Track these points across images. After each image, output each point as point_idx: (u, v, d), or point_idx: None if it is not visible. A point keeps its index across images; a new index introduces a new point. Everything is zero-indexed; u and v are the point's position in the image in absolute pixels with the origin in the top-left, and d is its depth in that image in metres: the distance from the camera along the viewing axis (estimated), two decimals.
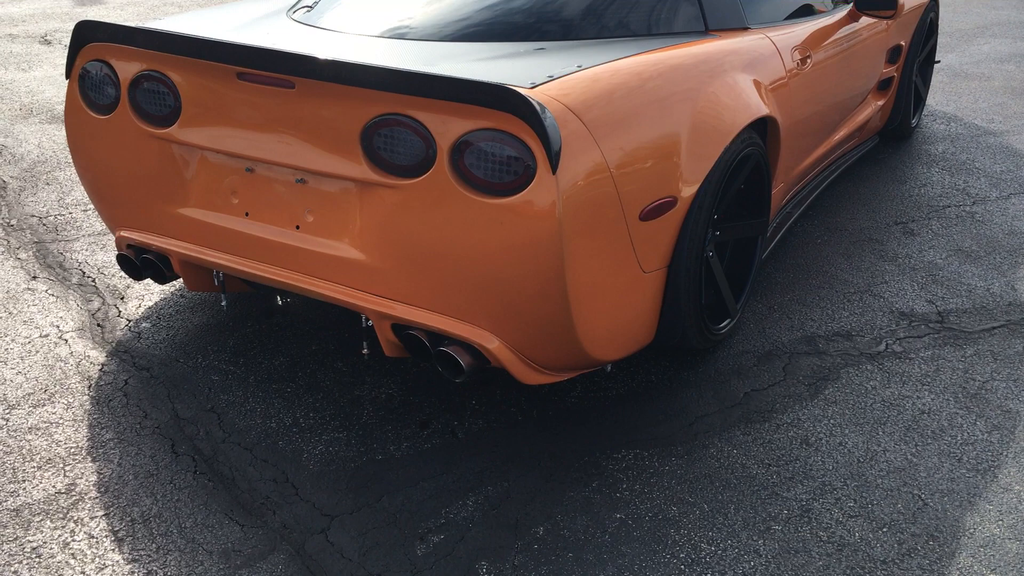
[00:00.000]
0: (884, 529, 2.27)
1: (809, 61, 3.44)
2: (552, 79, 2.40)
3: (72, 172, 4.42)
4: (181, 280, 3.00)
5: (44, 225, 3.84)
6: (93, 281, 3.39)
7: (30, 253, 3.59)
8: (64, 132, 4.97)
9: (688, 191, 2.57)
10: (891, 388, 2.84)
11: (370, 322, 2.60)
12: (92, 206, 4.01)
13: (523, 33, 2.79)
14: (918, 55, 4.90)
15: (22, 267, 3.48)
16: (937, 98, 5.93)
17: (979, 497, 2.38)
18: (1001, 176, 4.60)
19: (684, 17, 3.02)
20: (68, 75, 2.86)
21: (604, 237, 2.36)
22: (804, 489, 2.40)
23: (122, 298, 3.28)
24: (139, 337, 3.04)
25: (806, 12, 3.68)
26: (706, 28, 3.06)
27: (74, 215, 3.94)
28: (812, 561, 2.17)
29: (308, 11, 3.11)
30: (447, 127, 2.27)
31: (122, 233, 2.93)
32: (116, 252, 2.96)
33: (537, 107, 2.15)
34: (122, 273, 3.43)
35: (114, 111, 2.76)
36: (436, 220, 2.34)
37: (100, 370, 2.85)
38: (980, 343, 3.09)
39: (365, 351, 2.72)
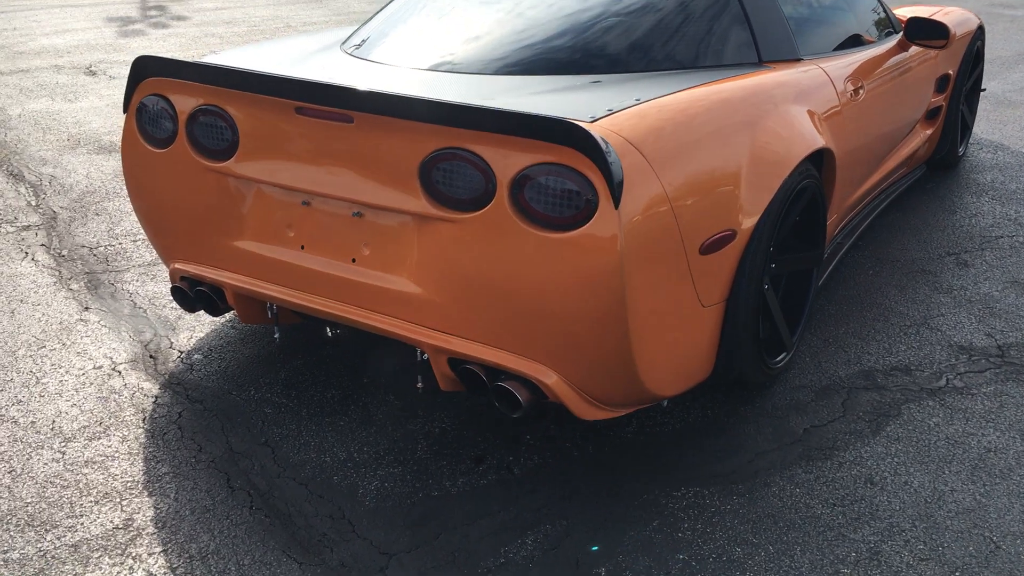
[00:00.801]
0: (957, 573, 2.20)
1: (862, 92, 3.40)
2: (611, 112, 2.38)
3: (121, 203, 4.46)
4: (234, 312, 3.00)
5: (95, 255, 3.87)
6: (145, 312, 3.40)
7: (82, 284, 3.62)
8: (112, 163, 5.03)
9: (747, 224, 2.54)
10: (954, 425, 2.77)
11: (425, 356, 2.58)
12: (142, 237, 4.04)
13: (576, 67, 2.78)
14: (965, 83, 4.85)
15: (74, 298, 3.50)
16: (981, 126, 5.86)
17: None
18: None
19: (737, 49, 3.00)
20: (126, 109, 2.88)
21: (664, 271, 2.33)
22: (871, 530, 2.34)
23: (174, 329, 3.28)
24: (191, 369, 3.04)
25: (855, 43, 3.65)
26: (759, 60, 3.04)
27: (124, 245, 3.97)
28: None
29: (359, 45, 3.13)
30: (507, 161, 2.26)
31: (176, 265, 2.94)
32: (170, 284, 2.96)
33: (599, 141, 2.13)
34: (173, 304, 3.45)
35: (171, 145, 2.78)
36: (495, 254, 2.32)
37: (154, 402, 2.85)
38: None
39: (419, 385, 2.70)
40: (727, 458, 2.62)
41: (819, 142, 2.86)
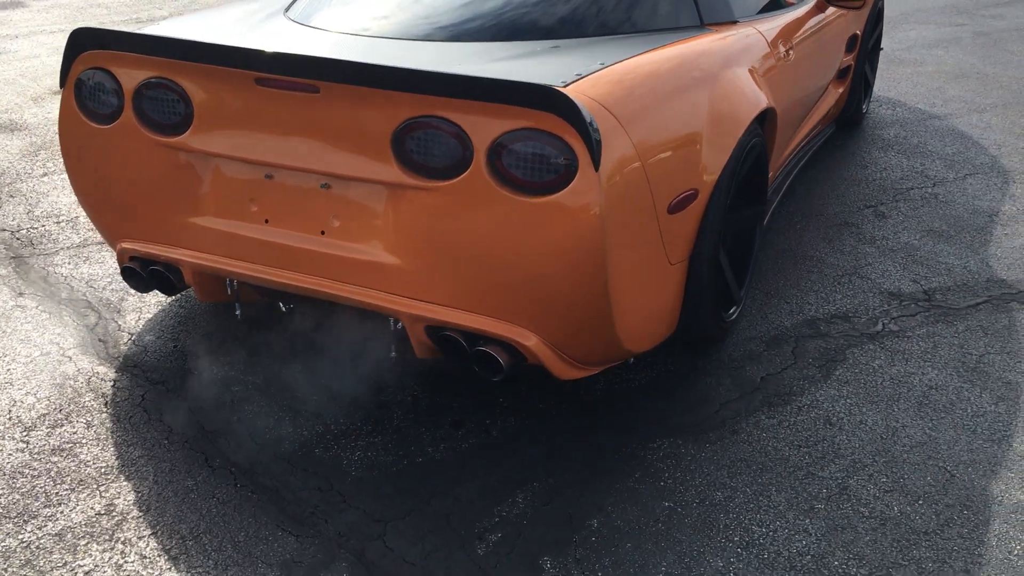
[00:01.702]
0: (920, 502, 2.37)
1: (792, 52, 3.54)
2: (580, 77, 2.43)
3: (35, 183, 4.27)
4: (192, 290, 2.94)
5: (18, 239, 3.71)
6: (84, 295, 3.29)
7: (10, 269, 3.47)
8: (17, 142, 4.80)
9: (708, 183, 2.63)
10: (896, 366, 2.95)
11: (400, 325, 2.59)
12: (65, 217, 3.88)
13: (531, 32, 2.81)
14: (868, 43, 5.07)
15: (4, 283, 3.36)
16: (878, 85, 6.14)
17: (1000, 466, 2.50)
18: (954, 158, 4.80)
19: (681, 12, 3.07)
20: (63, 84, 2.77)
21: (639, 232, 2.40)
22: (837, 468, 2.48)
23: (118, 311, 3.19)
24: (145, 351, 2.97)
25: (777, 5, 3.78)
26: (701, 22, 3.12)
27: (47, 227, 3.81)
28: (859, 537, 2.25)
29: (306, 13, 3.07)
30: (484, 128, 2.28)
31: (124, 245, 2.86)
32: (117, 265, 2.87)
33: (579, 105, 2.17)
34: (113, 286, 3.34)
35: (116, 120, 2.69)
36: (473, 221, 2.34)
37: (113, 386, 2.78)
38: (969, 319, 3.23)
39: (393, 354, 2.71)
40: (694, 409, 2.73)
41: (765, 101, 2.97)
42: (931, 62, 6.75)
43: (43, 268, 3.48)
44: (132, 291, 3.30)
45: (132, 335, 3.05)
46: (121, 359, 2.92)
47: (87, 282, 3.38)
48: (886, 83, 6.18)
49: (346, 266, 2.53)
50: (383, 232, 2.48)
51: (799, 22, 3.77)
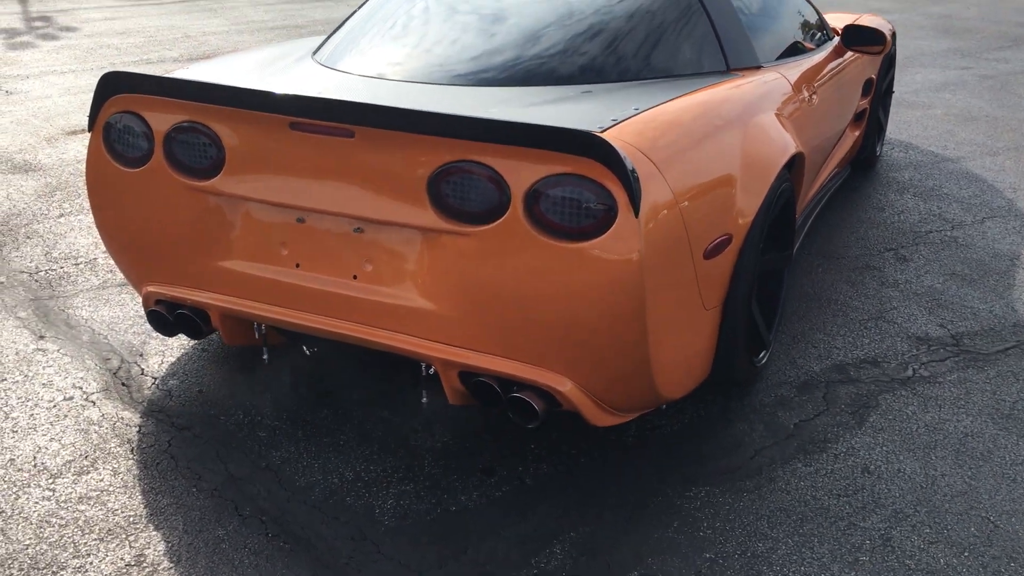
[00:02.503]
0: (965, 553, 2.32)
1: (815, 96, 3.54)
2: (616, 122, 2.42)
3: (52, 224, 4.25)
4: (218, 334, 2.91)
5: (36, 281, 3.68)
6: (106, 338, 3.25)
7: (29, 312, 3.44)
8: (32, 183, 4.79)
9: (743, 228, 2.62)
10: (930, 413, 2.92)
11: (432, 370, 2.56)
12: (84, 259, 3.86)
13: (563, 77, 2.81)
14: (882, 86, 5.10)
15: (25, 327, 3.33)
16: (889, 127, 6.16)
17: None
18: (971, 201, 4.80)
19: (708, 57, 3.08)
20: (91, 128, 2.76)
21: (676, 277, 2.38)
22: (879, 518, 2.44)
23: (141, 355, 3.15)
24: (170, 395, 2.93)
25: (799, 49, 3.79)
26: (727, 67, 3.13)
27: (66, 269, 3.79)
28: None
29: (335, 57, 3.07)
30: (521, 173, 2.26)
31: (150, 289, 2.83)
32: (145, 309, 2.85)
33: (619, 151, 2.16)
34: (135, 329, 3.31)
35: (146, 163, 2.68)
36: (509, 266, 2.32)
37: (138, 432, 2.74)
38: (999, 364, 3.20)
39: (424, 400, 2.67)
40: (729, 455, 2.69)
41: (794, 146, 2.97)
42: (940, 105, 6.79)
43: (63, 311, 3.45)
44: (155, 334, 3.27)
45: (156, 379, 3.02)
46: (146, 404, 2.88)
47: (109, 325, 3.34)
48: (897, 126, 6.21)
49: (379, 310, 2.51)
50: (417, 276, 2.45)
51: (820, 66, 3.78)
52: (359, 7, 3.42)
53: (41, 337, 3.26)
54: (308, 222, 2.57)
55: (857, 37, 3.99)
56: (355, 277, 2.54)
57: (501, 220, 2.30)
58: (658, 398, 2.51)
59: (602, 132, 2.34)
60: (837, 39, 4.19)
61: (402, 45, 3.00)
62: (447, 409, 2.85)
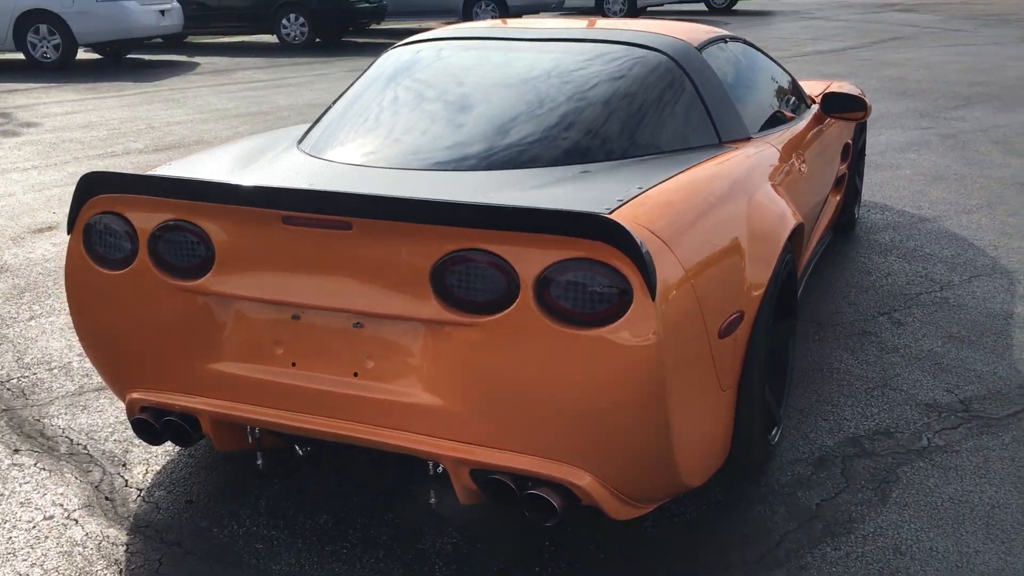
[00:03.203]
0: None
1: (804, 165, 3.52)
2: (622, 203, 2.35)
3: (24, 328, 4.08)
4: (209, 440, 2.76)
5: (8, 390, 3.51)
6: (85, 448, 3.08)
7: (2, 423, 3.26)
8: (1, 285, 4.62)
9: (754, 303, 2.54)
10: (952, 484, 2.82)
11: (440, 469, 2.44)
12: (58, 364, 3.69)
13: (559, 158, 2.75)
14: (856, 151, 5.12)
15: None
16: (862, 190, 6.19)
17: None
18: (954, 260, 4.79)
19: (701, 131, 3.04)
20: (70, 230, 2.64)
21: (694, 359, 2.29)
22: None
23: (124, 465, 2.98)
24: (158, 508, 2.76)
25: (781, 119, 3.78)
26: (720, 140, 3.09)
27: (40, 375, 3.61)
28: None
29: (321, 146, 2.99)
30: (530, 259, 2.18)
31: (134, 395, 2.69)
32: (129, 417, 2.70)
33: (632, 233, 2.08)
34: (116, 438, 3.14)
35: (130, 265, 2.56)
36: (520, 356, 2.22)
37: (126, 551, 2.56)
38: (1013, 429, 3.13)
39: (433, 500, 2.53)
40: (753, 543, 2.56)
41: (795, 217, 2.92)
42: (907, 165, 6.86)
43: (38, 420, 3.27)
44: (138, 441, 3.11)
45: (141, 491, 2.85)
46: (132, 519, 2.71)
47: (87, 433, 3.17)
48: (869, 188, 6.24)
49: (382, 409, 2.38)
50: (422, 371, 2.34)
51: (803, 135, 3.77)
52: (341, 95, 3.35)
53: (16, 451, 3.08)
54: (304, 319, 2.45)
55: (837, 104, 4.00)
56: (356, 374, 2.42)
57: (510, 309, 2.20)
58: (680, 486, 2.39)
59: (610, 213, 2.27)
60: (815, 107, 4.20)
61: (393, 132, 2.93)
62: (456, 508, 2.71)
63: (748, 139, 3.23)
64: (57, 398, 3.43)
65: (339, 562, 2.51)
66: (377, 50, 15.19)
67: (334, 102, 3.33)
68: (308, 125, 3.41)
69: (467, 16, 17.26)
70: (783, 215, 2.83)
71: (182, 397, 2.62)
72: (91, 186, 2.57)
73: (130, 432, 3.17)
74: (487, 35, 3.40)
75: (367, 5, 16.07)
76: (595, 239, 2.12)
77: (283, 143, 3.17)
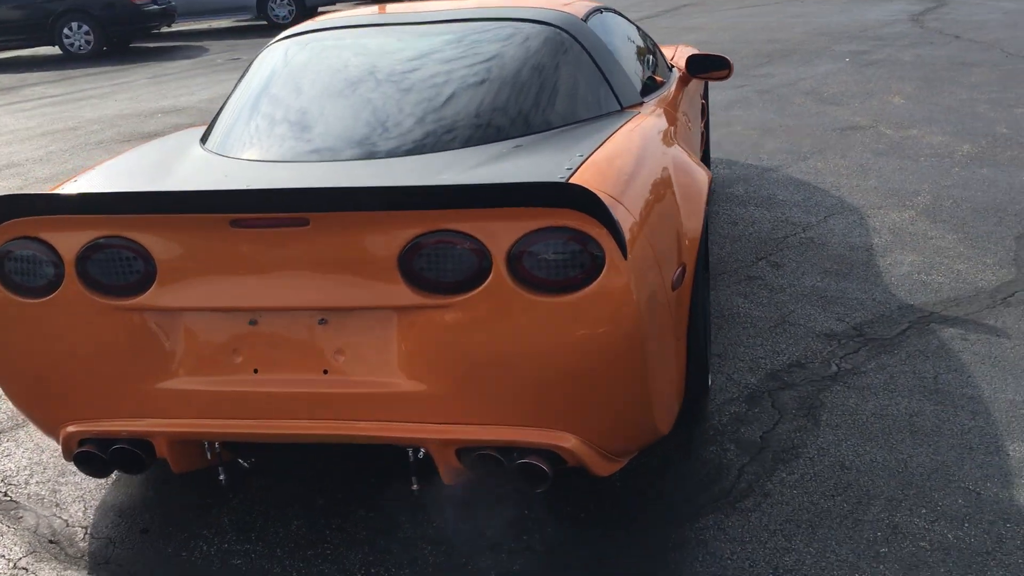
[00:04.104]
0: (966, 524, 2.45)
1: (689, 124, 3.70)
2: (572, 171, 2.42)
3: None
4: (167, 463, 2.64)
5: None
6: (6, 495, 2.87)
7: None
8: None
9: (691, 257, 2.67)
10: (869, 402, 3.08)
11: (421, 454, 2.44)
12: None
13: (486, 135, 2.78)
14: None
15: None
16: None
17: (1012, 474, 2.64)
18: (806, 203, 5.15)
19: (604, 99, 3.15)
20: None
21: (658, 313, 2.39)
22: (878, 508, 2.54)
23: (57, 505, 2.80)
24: (111, 543, 2.61)
25: (656, 84, 3.95)
26: (621, 107, 3.21)
27: None
28: (936, 570, 2.29)
29: (230, 145, 2.89)
30: (500, 234, 2.21)
31: (70, 429, 2.54)
32: (67, 452, 2.54)
33: (599, 196, 2.15)
34: (38, 479, 2.94)
35: (55, 291, 2.41)
36: (499, 330, 2.25)
37: None
38: (906, 346, 3.44)
39: (415, 487, 2.53)
40: (717, 481, 2.71)
41: (708, 173, 3.07)
42: (736, 122, 7.27)
43: None
44: (63, 478, 2.92)
45: (86, 528, 2.68)
46: (88, 558, 2.55)
47: (3, 480, 2.95)
48: (710, 144, 6.58)
49: (358, 402, 2.36)
50: (397, 359, 2.33)
51: (677, 96, 3.96)
52: (232, 93, 3.24)
53: None
54: (262, 323, 2.39)
55: (703, 65, 4.22)
56: (325, 372, 2.38)
57: (484, 285, 2.23)
58: (655, 434, 2.50)
59: (566, 181, 2.33)
60: (676, 70, 4.40)
61: (315, 125, 2.86)
62: (423, 495, 2.71)
63: (641, 103, 3.36)
64: None
65: (327, 563, 2.47)
66: (173, 53, 14.55)
67: (226, 101, 3.21)
68: (201, 128, 3.28)
69: (261, 13, 16.71)
70: (699, 171, 2.98)
71: (130, 422, 2.49)
72: (4, 210, 2.39)
73: (51, 472, 2.98)
74: (376, 22, 3.38)
75: (155, 7, 15.31)
76: (563, 207, 2.17)
77: (185, 147, 3.04)
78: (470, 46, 3.13)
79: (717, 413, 3.06)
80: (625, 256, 2.19)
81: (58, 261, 2.40)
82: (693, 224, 2.72)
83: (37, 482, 2.93)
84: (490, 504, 2.66)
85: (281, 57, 3.27)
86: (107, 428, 2.50)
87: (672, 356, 2.53)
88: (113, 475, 2.91)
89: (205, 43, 15.63)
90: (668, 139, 2.99)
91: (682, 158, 2.92)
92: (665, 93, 3.78)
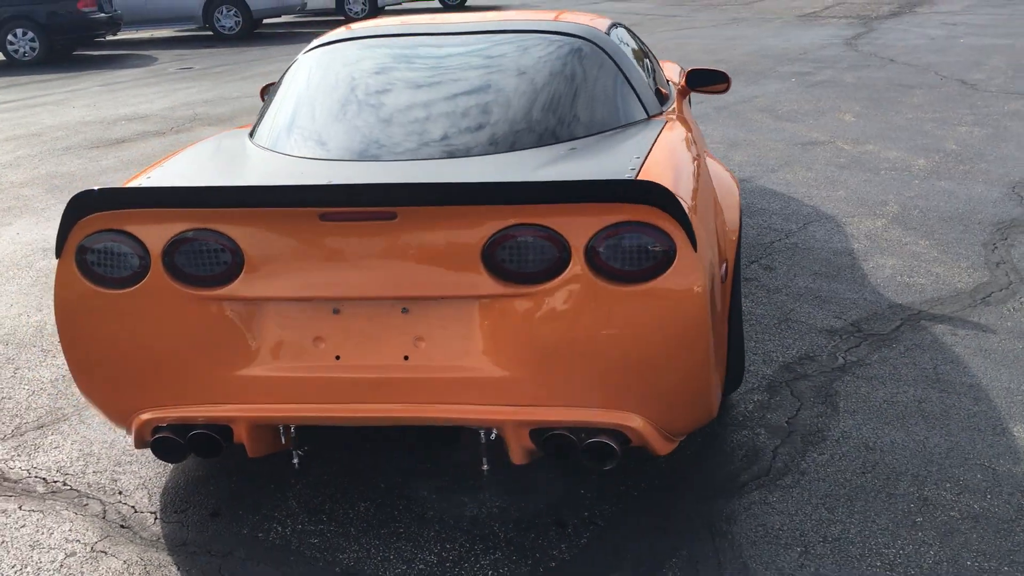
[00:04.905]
0: (989, 496, 2.70)
1: (699, 135, 3.93)
2: (636, 171, 2.61)
3: None
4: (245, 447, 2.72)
5: None
6: (66, 484, 2.93)
7: None
8: None
9: (733, 251, 2.89)
10: (879, 390, 3.32)
11: (493, 435, 2.59)
12: None
13: (543, 138, 2.94)
14: None
15: None
16: None
17: (1021, 451, 2.90)
18: (785, 212, 5.44)
19: (634, 108, 3.35)
20: (59, 254, 2.53)
21: (717, 302, 2.59)
22: (907, 484, 2.77)
23: (120, 493, 2.87)
24: (184, 526, 2.70)
25: (664, 95, 4.16)
26: (648, 115, 3.41)
27: None
28: (970, 539, 2.53)
29: (296, 145, 3.00)
30: (579, 228, 2.38)
31: (144, 417, 2.62)
32: (141, 439, 2.62)
33: (673, 193, 2.34)
34: (92, 468, 3.00)
35: (139, 282, 2.50)
36: (575, 317, 2.42)
37: (179, 569, 2.51)
38: (903, 340, 3.70)
39: (485, 467, 2.67)
40: (756, 462, 2.92)
41: (735, 177, 3.29)
42: (703, 135, 7.56)
43: None
44: (120, 467, 2.99)
45: (155, 513, 2.76)
46: (164, 540, 2.64)
47: (59, 470, 3.01)
48: None
49: (436, 386, 2.50)
50: (477, 345, 2.48)
51: (682, 107, 4.18)
52: (276, 90, 3.34)
53: None
54: (344, 311, 2.52)
55: (702, 79, 4.46)
56: (406, 358, 2.51)
57: (563, 275, 2.40)
58: (710, 415, 2.69)
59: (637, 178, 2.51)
60: (672, 84, 4.63)
61: (385, 125, 2.97)
62: (480, 476, 2.86)
63: (661, 112, 3.58)
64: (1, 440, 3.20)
65: (401, 540, 2.60)
66: (121, 62, 14.37)
67: (271, 101, 3.30)
68: (238, 130, 3.38)
69: (208, 22, 16.57)
70: (728, 176, 3.20)
71: (210, 408, 2.58)
72: (86, 205, 2.48)
73: (105, 462, 3.04)
74: (420, 31, 3.52)
75: (102, 15, 15.10)
76: (638, 202, 2.35)
77: (241, 147, 3.13)
78: (517, 56, 3.29)
79: (742, 401, 3.27)
80: (695, 248, 2.38)
81: (143, 253, 2.49)
82: (733, 222, 2.93)
83: (94, 472, 2.99)
84: (542, 484, 2.82)
85: (337, 59, 3.35)
86: (183, 414, 2.59)
87: (723, 341, 2.72)
88: (169, 466, 2.99)
89: (151, 52, 15.46)
90: (699, 146, 3.20)
91: (714, 163, 3.13)
92: (674, 104, 4.00)
